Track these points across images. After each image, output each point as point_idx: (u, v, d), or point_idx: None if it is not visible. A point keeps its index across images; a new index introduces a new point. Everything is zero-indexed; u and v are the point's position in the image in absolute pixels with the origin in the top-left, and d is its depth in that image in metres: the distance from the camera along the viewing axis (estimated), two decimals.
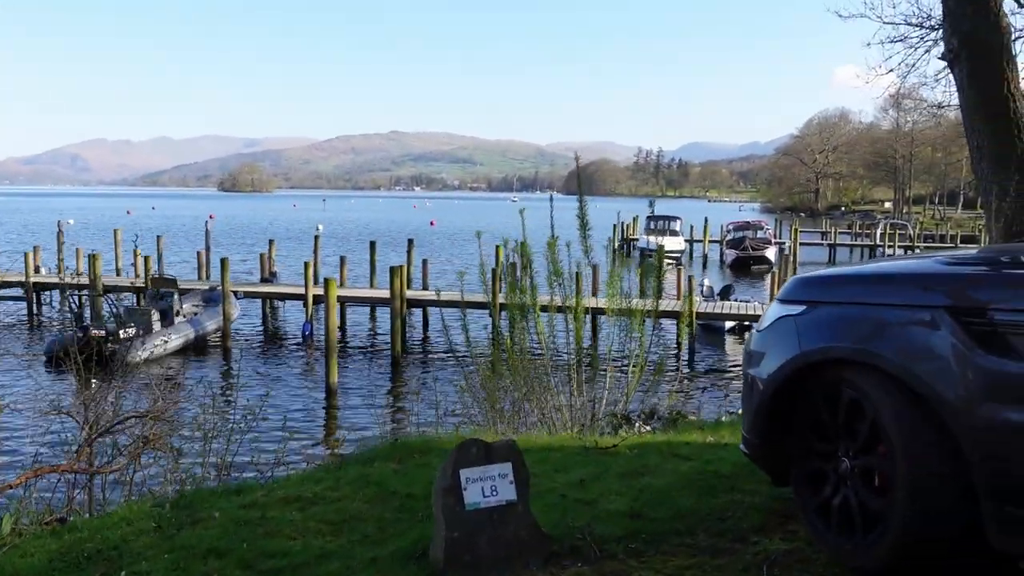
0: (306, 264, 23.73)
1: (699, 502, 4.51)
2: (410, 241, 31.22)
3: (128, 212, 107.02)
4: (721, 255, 48.25)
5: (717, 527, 4.13)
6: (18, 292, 26.56)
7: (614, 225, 46.34)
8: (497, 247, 21.04)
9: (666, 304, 21.36)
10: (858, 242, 58.21)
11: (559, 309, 8.83)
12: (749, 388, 4.17)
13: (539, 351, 8.65)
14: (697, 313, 21.31)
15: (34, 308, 26.22)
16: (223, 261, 21.77)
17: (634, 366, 8.90)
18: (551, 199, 8.97)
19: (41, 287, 26.87)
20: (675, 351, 21.30)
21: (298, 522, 4.40)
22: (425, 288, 26.63)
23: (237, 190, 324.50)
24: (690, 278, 22.24)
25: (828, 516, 3.55)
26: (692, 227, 52.19)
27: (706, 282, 26.76)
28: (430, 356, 21.19)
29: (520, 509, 3.88)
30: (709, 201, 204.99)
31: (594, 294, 19.43)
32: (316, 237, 32.94)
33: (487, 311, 15.36)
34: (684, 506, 4.44)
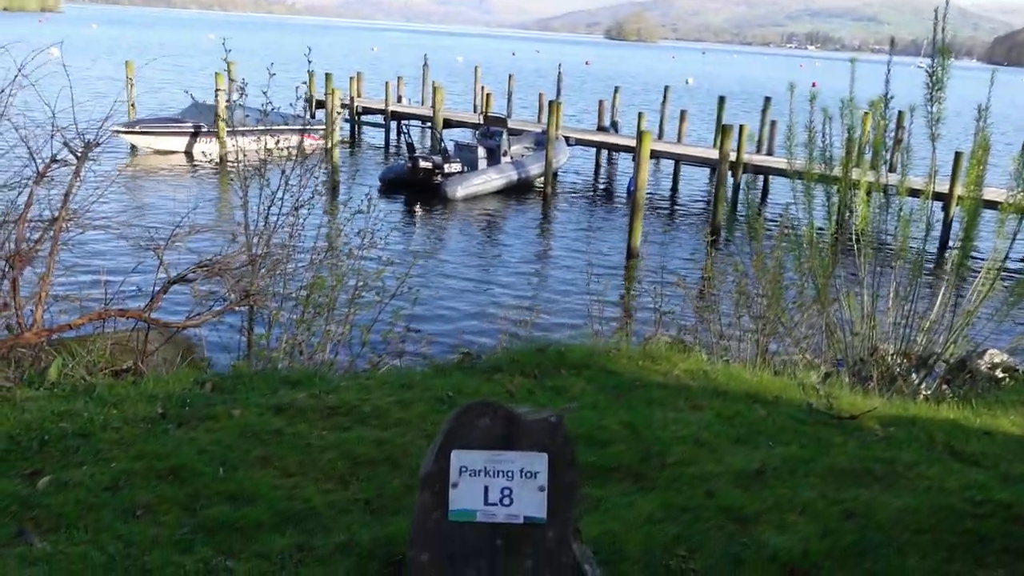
0: (639, 114, 21.95)
1: (937, 572, 2.47)
2: (767, 99, 27.90)
3: (512, 54, 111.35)
4: None
5: None
6: (380, 120, 28.16)
7: None
8: (865, 114, 17.49)
9: None
10: None
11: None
12: None
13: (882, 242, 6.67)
14: None
15: (391, 136, 27.67)
16: (551, 104, 20.79)
17: (985, 282, 6.49)
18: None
19: (399, 116, 28.18)
20: None
21: (315, 450, 3.13)
22: (770, 153, 23.68)
23: (622, 38, 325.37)
24: None
25: None
26: None
27: None
28: (755, 231, 18.74)
29: (551, 536, 2.22)
30: None
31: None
32: (666, 88, 30.77)
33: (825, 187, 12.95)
34: (902, 574, 2.45)
